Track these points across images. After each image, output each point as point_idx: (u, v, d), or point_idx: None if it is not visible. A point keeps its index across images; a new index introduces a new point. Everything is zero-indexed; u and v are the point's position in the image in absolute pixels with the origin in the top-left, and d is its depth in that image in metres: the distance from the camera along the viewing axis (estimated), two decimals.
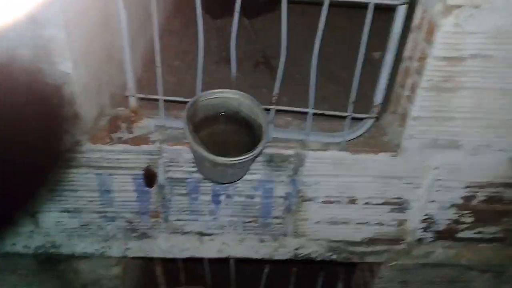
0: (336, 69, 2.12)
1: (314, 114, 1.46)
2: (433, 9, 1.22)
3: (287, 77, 2.06)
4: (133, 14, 1.43)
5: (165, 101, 1.49)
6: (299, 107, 1.49)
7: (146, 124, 1.53)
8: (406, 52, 1.40)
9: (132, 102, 1.50)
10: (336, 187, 1.56)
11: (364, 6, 1.22)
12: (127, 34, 1.34)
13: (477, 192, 1.54)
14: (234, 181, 1.50)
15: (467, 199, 1.57)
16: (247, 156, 1.27)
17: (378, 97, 1.37)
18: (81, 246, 1.70)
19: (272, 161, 1.49)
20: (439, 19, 1.19)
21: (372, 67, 1.48)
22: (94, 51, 1.44)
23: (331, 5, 1.24)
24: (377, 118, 1.45)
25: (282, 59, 1.35)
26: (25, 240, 1.67)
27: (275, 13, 1.52)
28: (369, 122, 1.43)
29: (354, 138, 1.48)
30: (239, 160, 1.29)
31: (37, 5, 1.16)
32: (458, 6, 1.15)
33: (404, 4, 1.19)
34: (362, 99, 1.47)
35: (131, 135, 1.49)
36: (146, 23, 2.04)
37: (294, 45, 2.26)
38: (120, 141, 1.47)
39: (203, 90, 1.43)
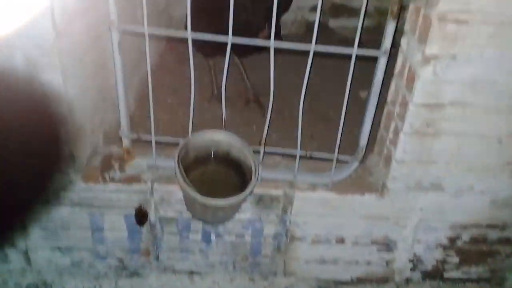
0: (324, 108, 2.18)
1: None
2: (412, 58, 1.28)
3: (277, 115, 2.12)
4: (127, 54, 1.48)
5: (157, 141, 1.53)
6: (288, 145, 1.54)
7: (138, 163, 1.56)
8: (389, 97, 1.46)
9: (125, 142, 1.54)
10: (325, 226, 1.59)
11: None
12: (121, 80, 1.39)
13: (462, 232, 1.57)
14: (225, 221, 1.53)
15: (453, 239, 1.59)
16: (236, 198, 1.31)
17: (363, 141, 1.42)
18: (72, 284, 1.70)
19: (261, 201, 1.53)
20: (418, 68, 1.25)
21: (359, 107, 1.53)
22: (89, 92, 1.50)
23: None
24: (362, 161, 1.49)
25: (270, 106, 1.40)
26: (17, 277, 1.68)
27: (265, 53, 1.58)
28: (354, 164, 1.48)
29: (340, 179, 1.51)
30: (228, 202, 1.32)
31: (35, 50, 1.21)
32: (436, 57, 1.21)
33: (384, 54, 1.25)
34: (349, 137, 1.51)
35: (123, 174, 1.53)
36: (140, 61, 2.12)
37: (284, 83, 2.34)
38: (113, 180, 1.51)
39: (195, 128, 1.47)
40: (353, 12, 2.95)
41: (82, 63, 1.40)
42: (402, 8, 1.24)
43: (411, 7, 1.29)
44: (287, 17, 2.65)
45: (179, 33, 1.30)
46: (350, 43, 1.30)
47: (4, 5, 1.13)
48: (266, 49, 1.34)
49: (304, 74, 1.33)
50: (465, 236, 1.59)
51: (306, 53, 1.29)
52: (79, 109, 1.41)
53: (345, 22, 2.91)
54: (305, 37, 1.31)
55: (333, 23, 3.01)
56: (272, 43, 1.24)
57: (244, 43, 1.28)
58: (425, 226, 1.56)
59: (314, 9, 3.02)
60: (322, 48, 1.23)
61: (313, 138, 2.01)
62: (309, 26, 3.01)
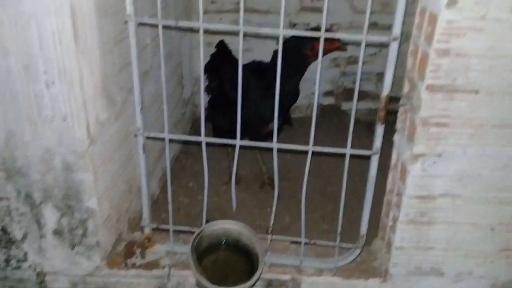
0: (336, 190, 2.29)
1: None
2: (403, 154, 1.42)
3: (290, 198, 2.25)
4: (151, 145, 1.63)
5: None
6: (300, 228, 1.64)
7: (157, 249, 1.69)
8: (388, 186, 1.58)
9: (147, 231, 1.69)
10: None
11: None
12: (145, 177, 1.56)
13: None
14: None
15: None
16: (243, 286, 1.41)
17: (363, 230, 1.53)
18: None
19: (271, 286, 1.62)
20: (408, 164, 1.38)
21: None
22: (116, 186, 1.67)
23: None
24: (367, 245, 1.58)
25: (275, 201, 1.55)
26: None
27: (278, 139, 1.74)
28: (357, 251, 1.57)
29: (345, 264, 1.60)
30: None
31: (72, 155, 1.41)
32: (423, 155, 1.34)
33: (375, 154, 1.39)
34: (358, 218, 1.59)
35: (144, 261, 1.66)
36: (164, 150, 2.31)
37: (297, 166, 2.47)
38: (134, 266, 1.64)
39: (213, 209, 1.59)
40: (364, 95, 3.18)
41: (111, 162, 1.59)
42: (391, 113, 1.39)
43: (401, 109, 1.45)
44: (301, 102, 2.86)
45: (195, 138, 1.48)
46: (361, 124, 1.44)
47: (49, 121, 1.34)
48: (279, 135, 1.45)
49: (316, 159, 1.45)
50: None
51: (316, 136, 1.43)
52: (107, 201, 1.58)
53: (357, 105, 3.11)
54: (319, 119, 1.44)
55: (345, 105, 3.25)
56: (275, 146, 1.40)
57: (251, 145, 1.45)
58: None
59: (327, 94, 3.27)
60: (319, 149, 1.38)
61: (323, 220, 2.12)
62: (323, 109, 3.29)
